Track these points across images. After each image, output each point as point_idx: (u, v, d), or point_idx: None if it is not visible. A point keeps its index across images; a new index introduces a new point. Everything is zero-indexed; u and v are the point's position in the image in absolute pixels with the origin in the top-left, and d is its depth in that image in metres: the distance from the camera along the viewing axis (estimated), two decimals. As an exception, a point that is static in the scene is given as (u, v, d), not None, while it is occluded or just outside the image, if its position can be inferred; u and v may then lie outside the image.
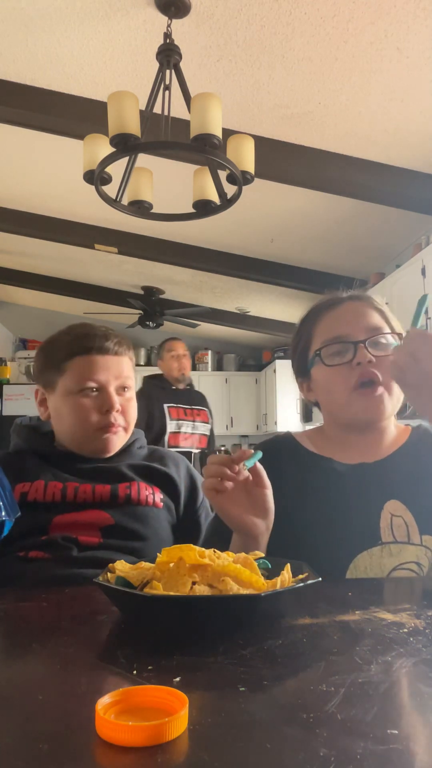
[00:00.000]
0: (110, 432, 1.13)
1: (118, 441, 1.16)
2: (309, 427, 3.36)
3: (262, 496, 0.88)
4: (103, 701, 0.42)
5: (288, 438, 1.12)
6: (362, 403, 0.99)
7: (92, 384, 1.12)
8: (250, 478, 0.87)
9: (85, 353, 1.13)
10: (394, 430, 1.08)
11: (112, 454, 1.16)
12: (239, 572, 0.64)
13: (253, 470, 0.87)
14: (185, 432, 3.58)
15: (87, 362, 1.13)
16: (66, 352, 1.14)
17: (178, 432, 3.55)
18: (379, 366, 0.98)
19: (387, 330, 1.02)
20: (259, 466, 0.87)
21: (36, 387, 1.21)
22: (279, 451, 1.07)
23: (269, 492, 0.88)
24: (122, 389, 1.15)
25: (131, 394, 1.17)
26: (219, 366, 8.26)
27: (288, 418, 6.82)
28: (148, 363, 8.12)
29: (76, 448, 1.16)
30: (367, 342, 0.99)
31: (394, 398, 1.00)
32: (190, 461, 1.33)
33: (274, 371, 7.11)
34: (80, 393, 1.12)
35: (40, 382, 1.20)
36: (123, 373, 1.15)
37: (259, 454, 0.86)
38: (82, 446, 1.15)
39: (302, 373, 1.10)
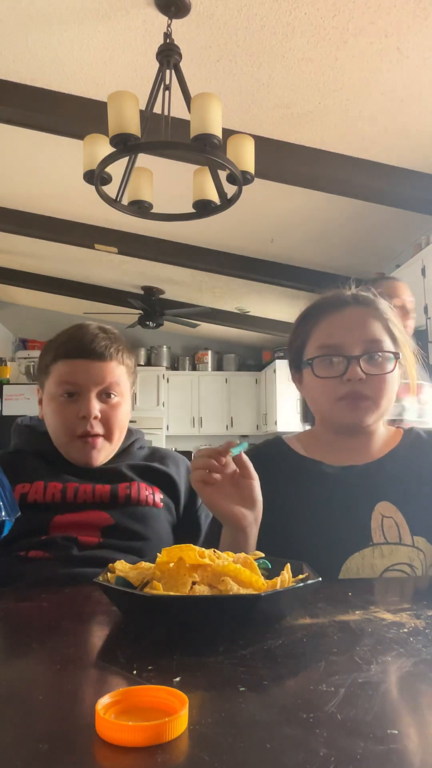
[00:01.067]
0: (90, 445, 1.11)
1: (100, 455, 1.13)
2: (309, 427, 3.32)
3: (249, 487, 0.88)
4: (103, 701, 0.42)
5: (278, 442, 1.12)
6: (346, 413, 0.99)
7: (70, 389, 1.11)
8: (237, 470, 0.88)
9: (67, 357, 1.12)
10: (384, 432, 1.07)
11: (96, 465, 1.14)
12: (239, 572, 0.64)
13: (239, 462, 0.88)
14: (407, 419, 2.29)
15: (67, 367, 1.11)
16: (52, 355, 1.14)
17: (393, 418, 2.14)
18: (369, 383, 0.97)
19: (387, 342, 1.00)
20: (245, 457, 0.88)
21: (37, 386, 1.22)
22: (269, 456, 1.07)
23: (256, 483, 0.89)
24: (106, 395, 1.12)
25: (118, 400, 1.14)
26: (219, 366, 8.26)
27: (288, 418, 6.80)
28: (148, 363, 8.10)
29: (62, 453, 1.14)
30: (361, 358, 0.98)
31: (380, 410, 0.99)
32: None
33: (274, 371, 7.09)
34: (60, 397, 1.11)
35: (37, 382, 1.21)
36: (107, 379, 1.12)
37: (245, 444, 0.88)
38: (65, 453, 1.14)
39: (296, 368, 1.10)
